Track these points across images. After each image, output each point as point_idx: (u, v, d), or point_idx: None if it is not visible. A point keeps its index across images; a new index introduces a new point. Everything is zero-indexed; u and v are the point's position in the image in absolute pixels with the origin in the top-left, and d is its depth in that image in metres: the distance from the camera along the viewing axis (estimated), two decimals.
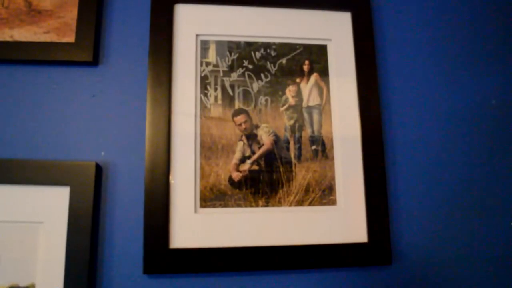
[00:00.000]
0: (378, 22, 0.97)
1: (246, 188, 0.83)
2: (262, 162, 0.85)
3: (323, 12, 0.93)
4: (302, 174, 0.85)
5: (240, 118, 0.86)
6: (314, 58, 0.91)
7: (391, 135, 0.91)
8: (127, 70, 0.87)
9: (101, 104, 0.85)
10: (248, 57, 0.89)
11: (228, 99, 0.87)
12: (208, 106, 0.86)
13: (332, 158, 0.87)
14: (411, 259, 0.86)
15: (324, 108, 0.89)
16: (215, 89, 0.87)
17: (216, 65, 0.88)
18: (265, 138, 0.86)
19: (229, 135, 0.85)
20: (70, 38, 0.85)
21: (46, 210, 0.77)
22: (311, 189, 0.85)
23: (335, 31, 0.92)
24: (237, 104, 0.87)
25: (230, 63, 0.88)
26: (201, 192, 0.82)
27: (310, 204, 0.84)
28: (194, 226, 0.80)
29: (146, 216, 0.78)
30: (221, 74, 0.88)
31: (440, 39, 0.98)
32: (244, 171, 0.84)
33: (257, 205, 0.83)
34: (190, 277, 0.79)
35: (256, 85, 0.88)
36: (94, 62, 0.85)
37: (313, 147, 0.87)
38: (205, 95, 0.86)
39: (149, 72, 0.84)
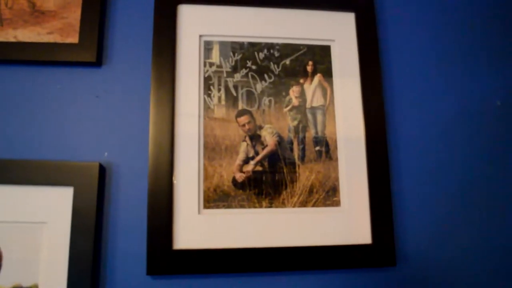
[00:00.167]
0: (382, 22, 0.96)
1: (250, 189, 0.83)
2: (265, 163, 0.85)
3: (326, 13, 0.92)
4: (306, 175, 0.85)
5: (243, 119, 0.86)
6: (318, 58, 0.91)
7: (395, 136, 0.91)
8: (130, 70, 0.87)
9: (105, 105, 0.85)
10: (251, 58, 0.89)
11: (231, 99, 0.87)
12: (212, 106, 0.86)
13: (336, 159, 0.87)
14: (415, 260, 0.85)
15: (327, 108, 0.89)
16: (219, 90, 0.87)
17: (219, 66, 0.88)
18: (269, 139, 0.86)
19: (232, 136, 0.85)
20: (74, 38, 0.85)
21: (50, 210, 0.77)
22: (314, 190, 0.84)
23: (338, 31, 0.92)
24: (241, 105, 0.87)
25: (233, 63, 0.88)
26: (204, 193, 0.81)
27: (313, 205, 0.84)
28: (198, 227, 0.79)
29: (149, 217, 0.78)
30: (225, 74, 0.87)
31: (444, 39, 0.97)
32: (248, 172, 0.84)
33: (260, 206, 0.82)
34: (193, 278, 0.79)
35: (259, 86, 0.88)
36: (98, 62, 0.85)
37: (317, 148, 0.87)
38: (209, 95, 0.86)
39: (152, 73, 0.84)
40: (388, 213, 0.84)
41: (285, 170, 0.85)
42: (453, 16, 0.99)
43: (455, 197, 0.90)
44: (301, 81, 0.90)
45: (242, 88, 0.88)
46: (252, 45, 0.90)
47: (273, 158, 0.85)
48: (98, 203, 0.78)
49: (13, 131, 0.82)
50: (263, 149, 0.85)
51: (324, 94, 0.90)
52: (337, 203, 0.85)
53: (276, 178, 0.84)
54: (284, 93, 0.88)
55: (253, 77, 0.88)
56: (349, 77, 0.90)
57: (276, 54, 0.90)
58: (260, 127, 0.86)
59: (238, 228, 0.81)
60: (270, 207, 0.83)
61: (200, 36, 0.88)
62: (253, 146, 0.85)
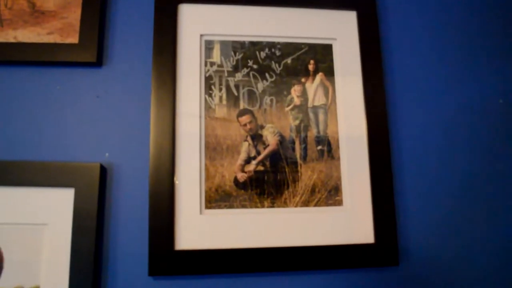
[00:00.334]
0: (383, 21, 0.96)
1: (252, 189, 0.82)
2: (267, 163, 0.84)
3: (328, 11, 0.92)
4: (308, 175, 0.84)
5: (245, 119, 0.86)
6: (319, 57, 0.90)
7: (397, 135, 0.90)
8: (131, 70, 0.87)
9: (105, 105, 0.85)
10: (252, 57, 0.88)
11: (232, 99, 0.86)
12: (213, 106, 0.85)
13: (338, 158, 0.86)
14: (418, 259, 0.85)
15: (329, 107, 0.89)
16: (220, 89, 0.86)
17: (220, 65, 0.87)
18: (270, 138, 0.86)
19: (234, 136, 0.84)
20: (74, 39, 0.85)
21: (51, 212, 0.77)
22: (317, 190, 0.84)
23: (340, 30, 0.92)
24: (242, 104, 0.86)
25: (234, 63, 0.88)
26: (206, 193, 0.81)
27: (316, 204, 0.83)
28: (199, 228, 0.79)
29: (151, 218, 0.78)
30: (226, 74, 0.87)
31: (446, 37, 0.97)
32: (249, 171, 0.83)
33: (262, 206, 0.82)
34: (195, 279, 0.79)
35: (261, 85, 0.88)
36: (98, 62, 0.85)
37: (319, 147, 0.86)
38: (210, 95, 0.86)
39: (153, 73, 0.84)
40: (391, 212, 0.84)
41: (287, 170, 0.84)
42: (455, 14, 0.99)
43: (457, 196, 0.89)
44: (303, 80, 0.89)
45: (243, 88, 0.87)
46: (253, 44, 0.89)
47: (275, 158, 0.85)
48: (99, 204, 0.78)
49: (13, 132, 0.82)
50: (264, 148, 0.85)
51: (326, 93, 0.89)
52: (339, 203, 0.84)
53: (278, 177, 0.84)
54: (285, 92, 0.88)
55: (254, 76, 0.88)
56: (351, 75, 0.90)
57: (278, 53, 0.89)
58: (262, 127, 0.86)
59: (240, 228, 0.80)
60: (272, 207, 0.82)
61: (201, 35, 0.88)
62: (255, 146, 0.85)
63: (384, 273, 0.84)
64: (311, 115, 0.88)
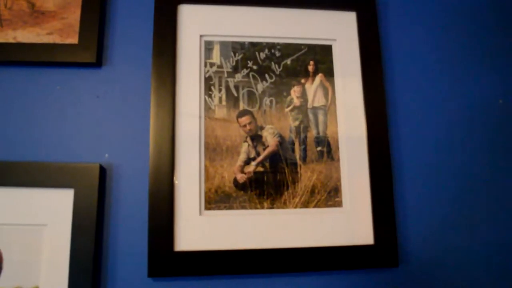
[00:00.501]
0: (383, 21, 0.96)
1: (251, 190, 0.82)
2: (267, 164, 0.84)
3: (328, 12, 0.92)
4: (308, 176, 0.84)
5: (244, 119, 0.86)
6: (319, 58, 0.90)
7: (397, 136, 0.90)
8: (131, 71, 0.86)
9: (105, 106, 0.85)
10: (252, 58, 0.88)
11: (232, 100, 0.86)
12: (213, 107, 0.85)
13: (338, 159, 0.86)
14: (418, 261, 0.85)
15: (329, 108, 0.88)
16: (219, 90, 0.86)
17: (220, 66, 0.87)
18: (270, 139, 0.85)
19: (233, 137, 0.84)
20: (74, 39, 0.85)
21: (50, 212, 0.77)
22: (316, 191, 0.84)
23: (340, 31, 0.92)
24: (242, 105, 0.86)
25: (234, 63, 0.88)
26: (205, 194, 0.81)
27: (315, 206, 0.83)
28: (199, 229, 0.79)
29: (150, 219, 0.78)
30: (225, 75, 0.87)
31: (446, 38, 0.97)
32: (249, 172, 0.83)
33: (262, 207, 0.82)
34: (195, 280, 0.79)
35: (260, 86, 0.87)
36: (98, 63, 0.85)
37: (319, 148, 0.86)
38: (209, 96, 0.86)
39: (153, 73, 0.84)
40: (390, 213, 0.84)
41: (286, 171, 0.84)
42: (455, 15, 0.99)
43: (457, 198, 0.89)
44: (303, 81, 0.89)
45: (243, 89, 0.87)
46: (253, 45, 0.89)
47: (275, 159, 0.85)
48: (99, 204, 0.78)
49: (13, 133, 0.82)
50: (264, 149, 0.85)
51: (326, 94, 0.89)
52: (339, 204, 0.84)
53: (278, 178, 0.84)
54: (285, 93, 0.88)
55: (254, 77, 0.88)
56: (351, 76, 0.90)
57: (277, 54, 0.89)
58: (261, 128, 0.86)
59: (239, 229, 0.80)
60: (272, 208, 0.82)
61: (201, 36, 0.87)
62: (254, 147, 0.85)
63: (383, 274, 0.84)
64: (310, 116, 0.88)
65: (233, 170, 0.83)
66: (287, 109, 0.87)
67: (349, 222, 0.83)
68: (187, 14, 0.88)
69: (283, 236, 0.81)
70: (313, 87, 0.89)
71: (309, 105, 0.88)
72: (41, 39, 0.84)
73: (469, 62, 0.96)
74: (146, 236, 0.78)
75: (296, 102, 0.88)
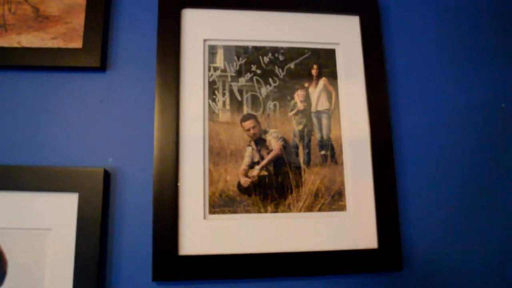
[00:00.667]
0: (386, 25, 0.96)
1: (255, 194, 0.82)
2: (271, 168, 0.84)
3: (331, 16, 0.92)
4: (311, 180, 0.85)
5: (248, 123, 0.86)
6: (323, 62, 0.90)
7: (401, 139, 0.90)
8: (135, 75, 0.87)
9: (109, 110, 0.85)
10: (256, 62, 0.89)
11: (236, 104, 0.86)
12: (216, 111, 0.85)
13: (342, 163, 0.86)
14: (422, 265, 0.85)
15: (333, 112, 0.89)
16: (223, 94, 0.86)
17: (224, 70, 0.87)
18: (274, 143, 0.86)
19: (237, 141, 0.84)
20: (78, 43, 0.85)
21: (55, 216, 0.77)
22: (320, 195, 0.84)
23: (343, 35, 0.92)
24: (246, 109, 0.86)
25: (238, 68, 0.88)
26: (209, 198, 0.81)
27: (319, 210, 0.83)
28: (203, 233, 0.79)
29: (154, 223, 0.78)
30: (229, 79, 0.87)
31: (449, 41, 0.97)
32: (253, 176, 0.83)
33: (266, 211, 0.82)
34: (199, 284, 0.79)
35: (264, 90, 0.88)
36: (102, 67, 0.85)
37: (322, 152, 0.86)
38: (213, 100, 0.86)
39: (157, 77, 0.84)
40: (394, 217, 0.84)
41: (290, 175, 0.84)
42: (457, 19, 0.99)
43: (461, 202, 0.89)
44: (306, 85, 0.89)
45: (246, 93, 0.87)
46: (257, 49, 0.89)
47: (279, 163, 0.85)
48: (103, 208, 0.78)
49: (17, 137, 0.82)
50: (268, 153, 0.85)
51: (329, 98, 0.89)
52: (342, 208, 0.84)
53: (282, 182, 0.84)
54: (289, 97, 0.88)
55: (257, 81, 0.88)
56: (354, 80, 0.90)
57: (281, 58, 0.89)
58: (265, 132, 0.86)
59: (243, 233, 0.80)
60: (276, 212, 0.82)
61: (205, 40, 0.88)
62: (258, 151, 0.85)
63: (387, 278, 0.84)
64: (314, 120, 0.88)
65: (237, 174, 0.83)
66: (290, 113, 0.88)
67: (353, 226, 0.83)
68: (191, 19, 0.88)
69: (287, 240, 0.81)
70: (316, 91, 0.89)
71: (313, 109, 0.88)
72: (45, 44, 0.85)
73: (471, 66, 0.96)
74: (151, 240, 0.78)
75: (300, 106, 0.88)
